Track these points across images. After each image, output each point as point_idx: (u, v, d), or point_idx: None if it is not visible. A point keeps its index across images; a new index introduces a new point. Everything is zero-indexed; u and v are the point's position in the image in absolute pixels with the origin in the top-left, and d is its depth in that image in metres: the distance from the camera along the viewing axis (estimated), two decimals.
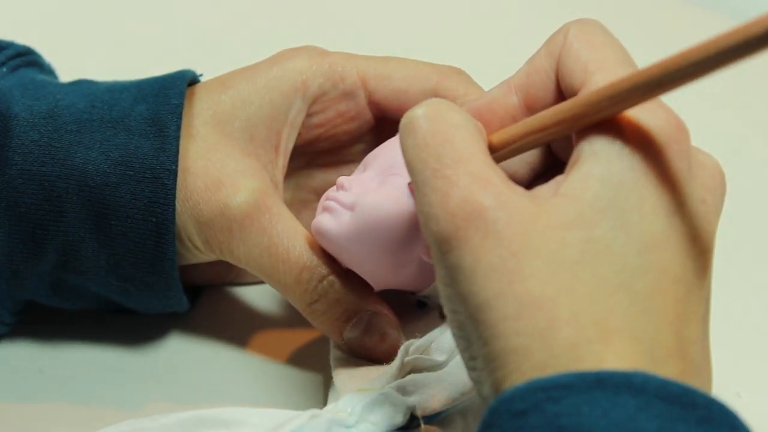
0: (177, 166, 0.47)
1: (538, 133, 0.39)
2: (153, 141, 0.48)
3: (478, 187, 0.36)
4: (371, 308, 0.47)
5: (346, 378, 0.46)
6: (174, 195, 0.47)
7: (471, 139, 0.38)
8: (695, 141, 0.38)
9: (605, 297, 0.35)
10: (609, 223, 0.35)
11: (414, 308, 0.50)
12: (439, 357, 0.45)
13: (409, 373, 0.45)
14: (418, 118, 0.38)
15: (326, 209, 0.46)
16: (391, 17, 0.77)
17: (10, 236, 0.48)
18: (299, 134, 0.51)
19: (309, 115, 0.51)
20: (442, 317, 0.48)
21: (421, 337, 0.46)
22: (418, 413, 0.44)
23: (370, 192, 0.45)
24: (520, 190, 0.37)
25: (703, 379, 0.37)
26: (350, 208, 0.45)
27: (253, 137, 0.49)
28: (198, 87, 0.51)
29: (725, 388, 0.39)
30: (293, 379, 0.51)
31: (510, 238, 0.35)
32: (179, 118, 0.48)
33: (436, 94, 0.49)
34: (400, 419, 0.43)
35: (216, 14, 0.76)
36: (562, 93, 0.40)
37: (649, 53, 0.39)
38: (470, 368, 0.37)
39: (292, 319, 0.53)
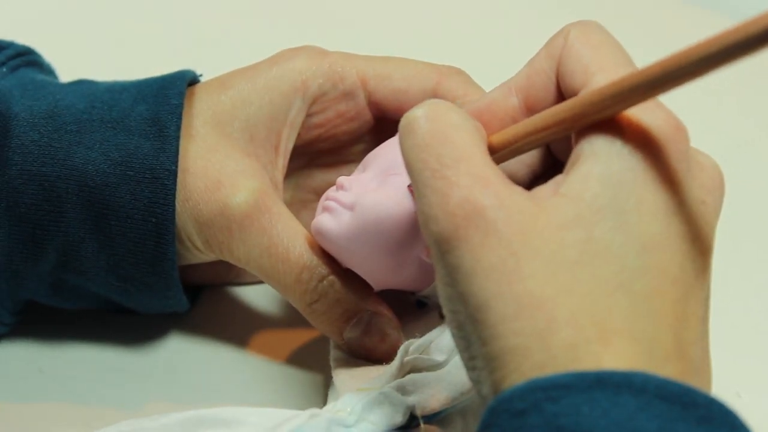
0: (177, 166, 0.47)
1: (538, 133, 0.39)
2: (153, 141, 0.48)
3: (478, 187, 0.36)
4: (371, 308, 0.47)
5: (345, 378, 0.46)
6: (174, 195, 0.47)
7: (471, 139, 0.38)
8: (695, 141, 0.38)
9: (604, 297, 0.34)
10: (608, 224, 0.35)
11: (414, 308, 0.50)
12: (439, 357, 0.45)
13: (409, 372, 0.45)
14: (417, 118, 0.38)
15: (326, 209, 0.46)
16: (391, 17, 0.77)
17: (10, 236, 0.48)
18: (299, 134, 0.51)
19: (309, 115, 0.51)
20: (442, 317, 0.48)
21: (420, 337, 0.46)
22: (418, 413, 0.44)
23: (369, 192, 0.45)
24: (520, 190, 0.37)
25: (702, 379, 0.37)
26: (350, 208, 0.45)
27: (252, 137, 0.49)
28: (198, 87, 0.51)
29: (725, 388, 0.39)
30: (293, 379, 0.51)
31: (510, 237, 0.35)
32: (179, 118, 0.48)
33: (436, 94, 0.49)
34: (399, 419, 0.43)
35: (216, 14, 0.76)
36: (562, 95, 0.40)
37: (649, 53, 0.39)
38: (469, 368, 0.37)
39: (292, 319, 0.53)
